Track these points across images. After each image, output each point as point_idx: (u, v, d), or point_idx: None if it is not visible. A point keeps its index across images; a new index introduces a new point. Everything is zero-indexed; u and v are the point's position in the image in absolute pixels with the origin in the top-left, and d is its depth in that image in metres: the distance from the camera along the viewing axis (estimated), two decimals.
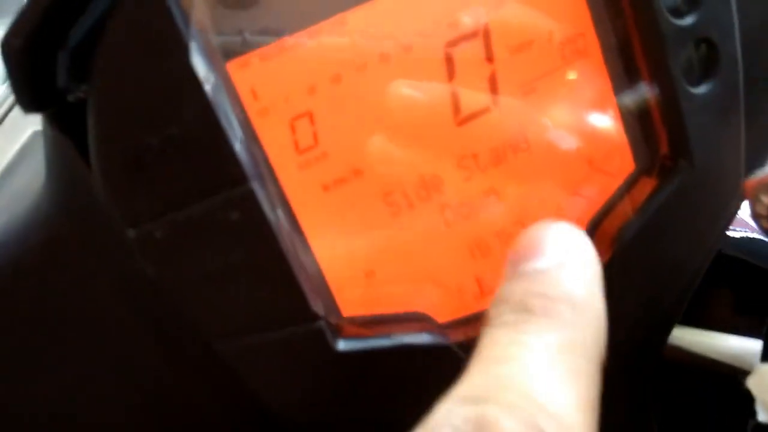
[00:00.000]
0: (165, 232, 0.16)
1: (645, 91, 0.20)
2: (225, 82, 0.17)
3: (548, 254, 0.16)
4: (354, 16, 0.18)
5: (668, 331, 0.24)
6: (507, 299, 0.16)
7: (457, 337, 0.20)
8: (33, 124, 0.28)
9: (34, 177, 0.22)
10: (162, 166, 0.16)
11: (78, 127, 0.18)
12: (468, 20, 0.19)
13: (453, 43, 0.19)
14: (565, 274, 0.16)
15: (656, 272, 0.20)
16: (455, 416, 0.13)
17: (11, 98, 0.28)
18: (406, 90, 0.19)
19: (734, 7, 0.19)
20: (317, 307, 0.18)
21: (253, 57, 0.18)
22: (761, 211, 0.17)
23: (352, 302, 0.20)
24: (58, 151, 0.19)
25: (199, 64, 0.16)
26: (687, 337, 0.32)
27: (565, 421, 0.13)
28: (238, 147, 0.16)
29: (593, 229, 0.21)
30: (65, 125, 0.18)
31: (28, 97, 0.16)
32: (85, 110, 0.18)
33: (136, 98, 0.16)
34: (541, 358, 0.14)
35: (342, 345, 0.18)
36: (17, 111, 0.28)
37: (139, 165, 0.16)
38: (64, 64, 0.18)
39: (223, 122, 0.16)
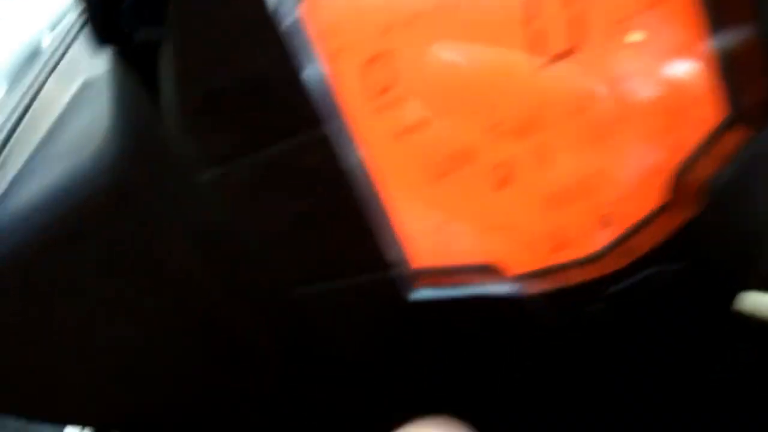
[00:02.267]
0: (241, 175, 0.16)
1: (741, 33, 0.19)
2: (299, 21, 0.17)
3: None
4: None
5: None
6: None
7: (532, 288, 0.20)
8: (84, 73, 0.28)
9: (93, 123, 0.22)
10: (240, 107, 0.16)
11: (145, 69, 0.18)
12: None
13: None
14: None
15: (747, 227, 0.20)
16: None
17: (62, 47, 0.28)
18: (487, 28, 0.18)
19: None
20: (391, 254, 0.18)
21: None
22: None
23: (422, 252, 0.19)
24: (124, 93, 0.19)
25: (277, 2, 0.15)
26: None
27: None
28: (316, 89, 0.16)
29: (679, 180, 0.20)
30: (134, 64, 0.18)
31: (101, 32, 0.16)
32: (150, 52, 0.18)
33: (215, 38, 0.15)
34: None
35: (417, 294, 0.18)
36: (68, 60, 0.28)
37: (216, 106, 0.16)
38: (129, 4, 0.17)
39: (300, 63, 0.16)
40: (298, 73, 0.16)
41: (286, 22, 0.16)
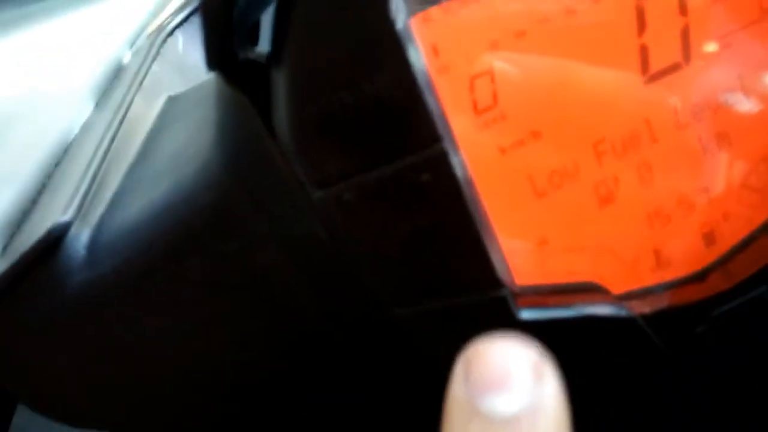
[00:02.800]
0: (354, 194, 0.17)
1: None
2: (411, 36, 0.17)
3: (518, 391, 0.14)
4: None
5: None
6: None
7: (635, 309, 0.19)
8: (167, 89, 0.29)
9: (191, 140, 0.22)
10: (354, 125, 0.16)
11: (251, 88, 0.18)
12: None
13: None
14: (541, 427, 0.14)
15: None
16: None
17: (145, 64, 0.29)
18: (591, 44, 0.18)
19: None
20: (500, 274, 0.18)
21: (435, 11, 0.17)
22: None
23: (524, 270, 0.19)
24: (229, 111, 0.19)
25: (398, 18, 0.16)
26: None
27: None
28: (431, 106, 0.16)
29: None
30: (241, 85, 0.18)
31: (219, 56, 0.17)
32: (256, 72, 0.18)
33: (334, 56, 0.16)
34: None
35: (525, 314, 0.18)
36: (151, 77, 0.29)
37: (331, 124, 0.16)
38: (238, 24, 0.18)
39: (419, 79, 0.16)
40: (414, 92, 0.16)
41: (402, 35, 0.16)
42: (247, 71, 0.19)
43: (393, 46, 0.16)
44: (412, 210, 0.17)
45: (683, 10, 0.18)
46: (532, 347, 0.15)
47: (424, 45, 0.17)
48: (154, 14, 0.35)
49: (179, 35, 0.34)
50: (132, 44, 0.33)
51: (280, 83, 0.17)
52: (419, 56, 0.16)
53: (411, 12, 0.17)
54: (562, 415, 0.14)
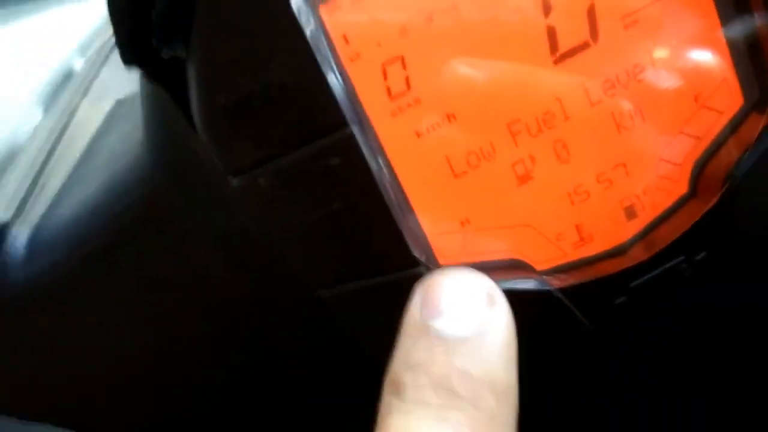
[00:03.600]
0: (268, 180, 0.17)
1: (755, 21, 0.20)
2: (320, 26, 0.18)
3: (469, 315, 0.15)
4: None
5: None
6: (425, 368, 0.15)
7: (557, 283, 0.20)
8: (115, 93, 0.29)
9: (126, 139, 0.23)
10: (264, 113, 0.17)
11: (174, 85, 0.19)
12: None
13: None
14: (487, 349, 0.15)
15: None
16: None
17: (93, 70, 0.30)
18: (500, 28, 0.19)
19: None
20: (418, 254, 0.18)
21: (344, 0, 0.18)
22: None
23: (448, 250, 0.20)
24: (155, 108, 0.20)
25: (299, 8, 0.16)
26: None
27: None
28: (337, 92, 0.17)
29: (700, 170, 0.20)
30: (163, 82, 0.19)
31: (130, 53, 0.18)
32: (179, 68, 0.19)
33: (238, 46, 0.16)
34: None
35: None
36: (100, 81, 0.30)
37: (241, 112, 0.17)
38: (157, 23, 0.19)
39: (323, 67, 0.17)
40: (319, 78, 0.17)
41: (312, 24, 0.17)
42: (172, 68, 0.20)
43: (294, 35, 0.16)
44: (325, 193, 0.17)
45: None
46: (486, 278, 0.15)
47: (335, 33, 0.18)
48: (107, 20, 0.36)
49: None
50: (83, 51, 0.33)
51: (192, 76, 0.17)
52: (324, 44, 0.17)
53: (320, 1, 0.18)
54: (509, 341, 0.15)
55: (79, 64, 0.33)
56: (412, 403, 0.14)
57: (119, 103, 0.29)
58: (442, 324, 0.15)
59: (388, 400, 0.15)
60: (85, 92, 0.28)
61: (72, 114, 0.26)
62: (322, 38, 0.17)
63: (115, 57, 0.36)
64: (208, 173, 0.19)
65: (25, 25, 0.31)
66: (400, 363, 0.15)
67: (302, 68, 0.17)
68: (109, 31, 0.38)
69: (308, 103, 0.17)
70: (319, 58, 0.17)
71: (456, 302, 0.16)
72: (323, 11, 0.18)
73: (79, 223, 0.21)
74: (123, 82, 0.32)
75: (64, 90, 0.29)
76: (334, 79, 0.17)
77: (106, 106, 0.29)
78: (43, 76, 0.29)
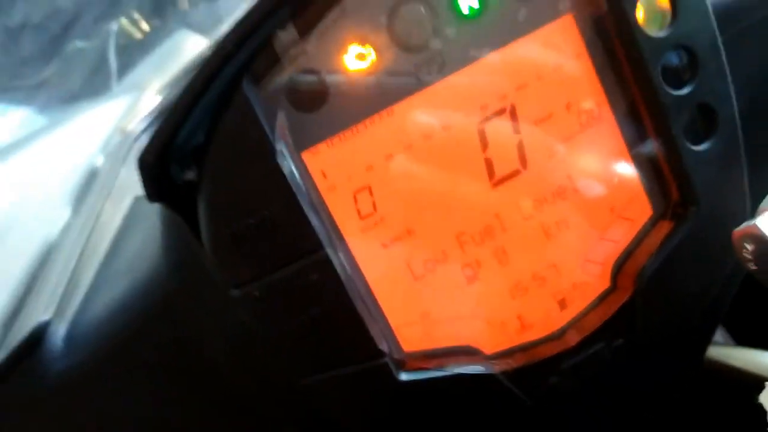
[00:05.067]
0: (262, 292, 0.22)
1: (655, 148, 0.24)
2: (301, 167, 0.23)
3: None
4: (399, 107, 0.23)
5: (698, 355, 0.28)
6: None
7: (501, 366, 0.25)
8: (132, 191, 0.35)
9: (144, 245, 0.28)
10: (258, 240, 0.22)
11: (187, 208, 0.24)
12: (496, 102, 0.24)
13: (485, 121, 0.24)
14: None
15: (677, 303, 0.25)
16: None
17: (114, 170, 0.35)
18: (447, 160, 0.24)
19: (728, 73, 0.23)
20: (383, 346, 0.23)
21: (321, 146, 0.23)
22: (747, 256, 0.21)
23: (411, 339, 0.25)
24: (172, 228, 0.25)
25: (283, 163, 0.22)
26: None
27: None
28: (315, 223, 0.22)
29: (618, 269, 0.25)
30: (178, 207, 0.24)
31: (155, 192, 0.23)
32: (191, 193, 0.24)
33: (237, 188, 0.22)
34: None
35: (404, 376, 0.23)
36: (120, 182, 0.35)
37: (240, 240, 0.22)
38: (174, 157, 0.24)
39: (303, 204, 0.22)
40: (299, 213, 0.22)
41: (295, 173, 0.22)
42: (185, 196, 0.25)
43: (281, 182, 0.21)
44: (306, 302, 0.22)
45: (516, 129, 0.24)
46: None
47: (314, 171, 0.23)
48: (122, 120, 0.42)
49: (145, 139, 0.39)
50: (104, 148, 0.39)
51: (202, 210, 0.22)
52: (307, 182, 0.22)
53: (303, 147, 0.23)
54: None
55: (100, 161, 0.38)
56: None
57: (137, 201, 0.34)
58: None
59: None
60: (108, 194, 0.33)
61: (98, 216, 0.31)
62: (301, 181, 0.22)
63: (134, 156, 0.41)
64: (214, 282, 0.24)
65: (53, 131, 0.36)
66: None
67: (286, 206, 0.22)
68: (124, 127, 0.44)
69: (292, 233, 0.22)
70: (299, 198, 0.22)
71: None
72: (305, 156, 0.23)
73: (109, 320, 0.26)
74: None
75: (89, 190, 0.34)
76: (311, 212, 0.22)
77: (126, 203, 0.34)
78: (70, 175, 0.34)
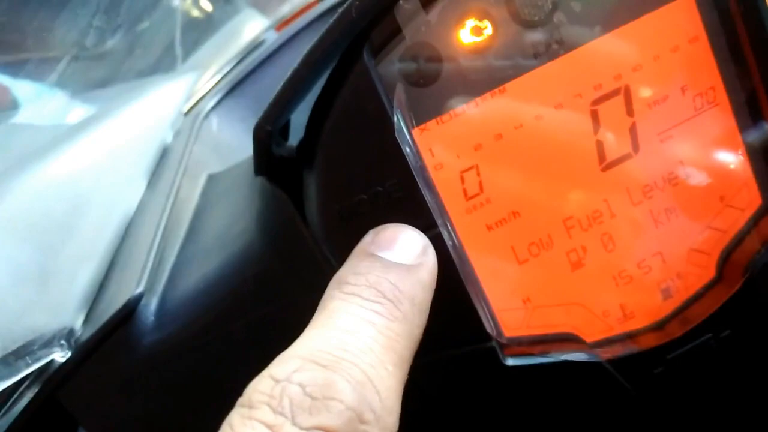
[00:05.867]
0: None
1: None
2: (413, 143, 0.23)
3: (406, 253, 0.20)
4: (512, 86, 0.23)
5: None
6: (365, 275, 0.19)
7: (605, 355, 0.24)
8: (205, 167, 0.35)
9: (236, 219, 0.28)
10: (369, 216, 0.22)
11: (287, 184, 0.24)
12: (611, 82, 0.23)
13: (598, 101, 0.23)
14: (415, 277, 0.20)
15: None
16: (304, 374, 0.16)
17: (188, 148, 0.35)
18: (558, 142, 0.24)
19: None
20: (489, 329, 0.23)
21: (431, 124, 0.23)
22: None
23: (512, 324, 0.25)
24: (272, 204, 0.25)
25: (401, 137, 0.21)
26: None
27: (386, 402, 0.17)
28: (429, 200, 0.22)
29: (725, 259, 0.25)
30: (280, 184, 0.24)
31: (266, 165, 0.22)
32: (290, 168, 0.24)
33: (353, 162, 0.21)
34: (382, 340, 0.18)
35: (510, 361, 0.23)
36: (194, 159, 0.35)
37: (350, 216, 0.22)
38: (276, 132, 0.24)
39: (419, 180, 0.22)
40: (414, 192, 0.21)
41: (409, 147, 0.22)
42: (281, 166, 0.25)
43: (397, 159, 0.21)
44: None
45: (630, 111, 0.24)
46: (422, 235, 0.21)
47: (423, 149, 0.23)
48: (187, 98, 0.42)
49: (213, 117, 0.40)
50: (172, 125, 0.39)
51: (311, 186, 0.22)
52: (418, 159, 0.22)
53: (413, 125, 0.23)
54: (431, 281, 0.20)
55: (169, 137, 0.38)
56: (349, 294, 0.19)
57: (211, 179, 0.34)
58: (386, 254, 0.20)
59: (331, 291, 0.20)
60: (185, 171, 0.33)
61: (177, 192, 0.31)
62: (417, 156, 0.22)
63: (203, 133, 0.41)
64: (313, 256, 0.23)
65: (126, 104, 0.36)
66: (347, 270, 0.20)
67: (401, 181, 0.21)
68: (190, 105, 0.44)
69: (405, 209, 0.22)
70: (415, 174, 0.22)
71: (400, 243, 0.21)
72: (415, 133, 0.23)
73: (200, 295, 0.26)
74: (211, 156, 0.37)
75: (162, 167, 0.34)
76: (426, 189, 0.22)
77: (201, 181, 0.34)
78: (143, 152, 0.34)
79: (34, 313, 0.25)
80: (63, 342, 0.26)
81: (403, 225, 0.21)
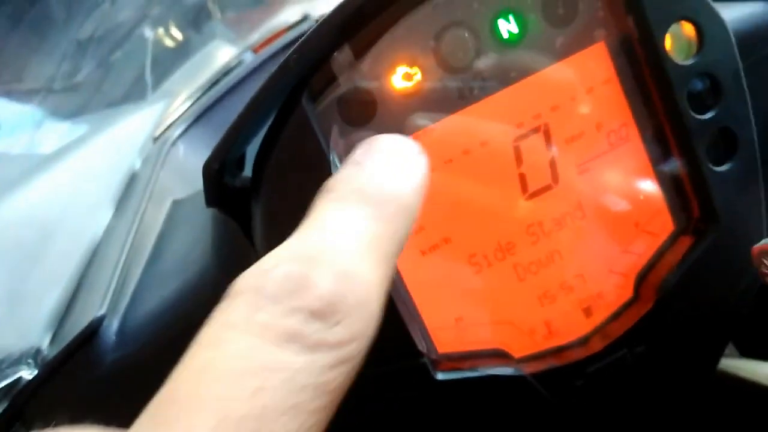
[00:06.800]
0: None
1: (678, 168, 0.27)
2: None
3: (390, 158, 0.20)
4: (441, 125, 0.25)
5: (712, 364, 0.30)
6: (352, 179, 0.20)
7: (530, 369, 0.27)
8: (171, 193, 0.37)
9: (194, 245, 0.30)
10: None
11: (238, 213, 0.26)
12: (531, 121, 0.26)
13: (520, 138, 0.26)
14: (402, 178, 0.20)
15: (695, 314, 0.27)
16: (285, 266, 0.17)
17: (155, 174, 0.37)
18: (484, 175, 0.26)
19: (749, 99, 0.26)
20: (421, 346, 0.25)
21: None
22: (765, 271, 0.23)
23: (445, 341, 0.27)
24: (224, 231, 0.27)
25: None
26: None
27: (369, 291, 0.17)
28: None
29: (641, 280, 0.27)
30: (231, 212, 0.26)
31: (215, 199, 0.25)
32: (242, 199, 0.26)
33: (293, 196, 0.24)
34: (366, 240, 0.18)
35: (440, 375, 0.25)
36: (160, 185, 0.37)
37: None
38: (231, 165, 0.26)
39: None
40: None
41: None
42: (235, 195, 0.27)
43: None
44: None
45: (549, 147, 0.26)
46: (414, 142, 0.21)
47: None
48: (157, 125, 0.44)
49: (180, 144, 0.42)
50: (141, 152, 0.41)
51: (257, 216, 0.25)
52: None
53: None
54: (422, 183, 0.20)
55: (137, 164, 0.40)
56: (333, 199, 0.19)
57: (176, 204, 0.36)
58: (374, 159, 0.20)
59: (316, 200, 0.20)
60: (150, 196, 0.35)
61: (142, 217, 0.33)
62: None
63: (170, 160, 0.43)
64: None
65: (96, 134, 0.38)
66: (334, 178, 0.20)
67: None
68: (159, 131, 0.46)
69: None
70: None
71: (388, 149, 0.21)
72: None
73: (159, 317, 0.28)
74: (177, 182, 0.40)
75: (129, 193, 0.37)
76: None
77: (166, 206, 0.36)
78: (111, 179, 0.36)
79: (3, 334, 0.28)
80: (30, 360, 0.28)
81: (394, 135, 0.21)
